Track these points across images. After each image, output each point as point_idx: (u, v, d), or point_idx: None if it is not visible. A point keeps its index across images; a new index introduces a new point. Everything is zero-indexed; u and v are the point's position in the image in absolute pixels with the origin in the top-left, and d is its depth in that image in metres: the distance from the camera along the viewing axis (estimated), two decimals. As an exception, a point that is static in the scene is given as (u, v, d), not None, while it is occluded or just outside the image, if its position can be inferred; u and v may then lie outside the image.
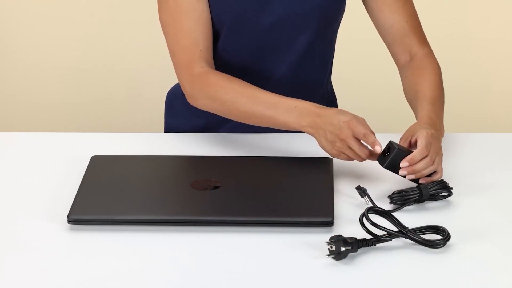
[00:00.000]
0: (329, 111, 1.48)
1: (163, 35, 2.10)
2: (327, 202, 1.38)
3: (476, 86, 3.24)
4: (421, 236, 1.30)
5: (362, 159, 1.46)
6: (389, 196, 1.43)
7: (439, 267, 1.25)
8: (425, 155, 1.43)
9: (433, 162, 1.44)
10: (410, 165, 1.43)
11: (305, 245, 1.30)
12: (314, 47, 1.71)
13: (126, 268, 1.26)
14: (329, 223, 1.34)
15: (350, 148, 1.45)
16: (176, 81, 1.91)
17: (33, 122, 3.41)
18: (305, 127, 1.49)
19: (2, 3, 3.26)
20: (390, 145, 1.45)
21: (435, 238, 1.30)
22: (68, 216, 1.37)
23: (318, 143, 1.48)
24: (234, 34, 1.69)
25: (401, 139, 1.49)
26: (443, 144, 1.54)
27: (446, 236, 1.29)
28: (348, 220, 1.37)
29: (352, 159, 1.46)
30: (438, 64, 1.69)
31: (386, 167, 1.45)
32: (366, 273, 1.24)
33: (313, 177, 1.46)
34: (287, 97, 1.54)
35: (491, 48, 3.19)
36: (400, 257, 1.28)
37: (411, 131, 1.49)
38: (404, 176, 1.44)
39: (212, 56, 1.66)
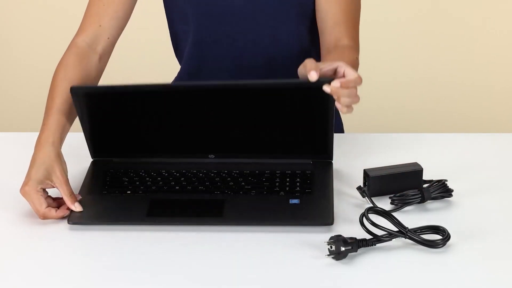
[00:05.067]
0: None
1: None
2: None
3: (477, 86, 3.24)
4: (421, 236, 1.30)
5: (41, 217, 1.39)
6: (390, 197, 1.42)
7: (439, 267, 1.25)
8: (356, 84, 1.34)
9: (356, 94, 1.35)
10: (339, 86, 1.32)
11: (305, 245, 1.30)
12: (293, 34, 1.70)
13: (126, 268, 1.26)
14: (329, 223, 1.35)
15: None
16: (171, 79, 1.91)
17: (33, 122, 3.41)
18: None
19: (2, 3, 3.26)
20: (365, 174, 1.45)
21: (435, 238, 1.30)
22: (68, 219, 1.38)
23: None
24: (206, 22, 1.69)
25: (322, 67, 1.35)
26: (446, 145, 1.53)
27: (446, 236, 1.29)
28: (348, 220, 1.37)
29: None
30: (357, 59, 1.60)
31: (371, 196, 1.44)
32: (366, 273, 1.24)
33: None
34: (57, 114, 1.53)
35: (492, 48, 3.19)
36: (400, 257, 1.28)
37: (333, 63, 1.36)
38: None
39: (107, 40, 1.67)
